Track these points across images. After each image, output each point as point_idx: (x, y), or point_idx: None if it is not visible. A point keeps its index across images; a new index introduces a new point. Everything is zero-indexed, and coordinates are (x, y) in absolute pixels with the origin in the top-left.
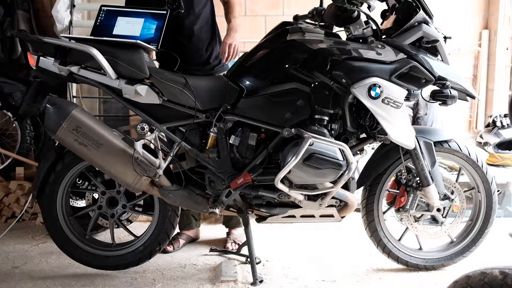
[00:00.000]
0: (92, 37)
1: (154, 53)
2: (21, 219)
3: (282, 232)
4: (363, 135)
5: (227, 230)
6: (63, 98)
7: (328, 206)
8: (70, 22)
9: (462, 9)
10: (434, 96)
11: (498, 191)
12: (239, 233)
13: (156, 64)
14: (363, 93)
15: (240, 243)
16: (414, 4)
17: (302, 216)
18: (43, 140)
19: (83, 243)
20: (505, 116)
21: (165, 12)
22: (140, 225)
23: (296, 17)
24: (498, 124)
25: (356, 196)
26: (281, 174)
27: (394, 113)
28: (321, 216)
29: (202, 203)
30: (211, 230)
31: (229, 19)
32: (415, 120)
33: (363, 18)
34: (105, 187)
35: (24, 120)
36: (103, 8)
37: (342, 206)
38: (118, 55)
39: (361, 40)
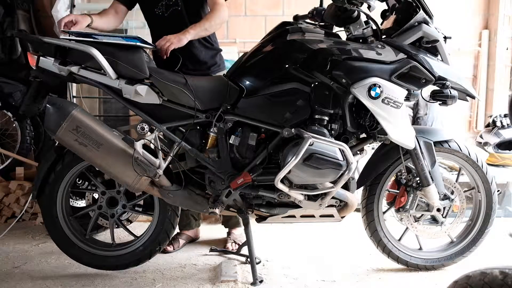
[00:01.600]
0: (92, 39)
1: (151, 52)
2: (21, 219)
3: (282, 232)
4: (363, 135)
5: (227, 230)
6: (63, 98)
7: (328, 206)
8: None
9: (462, 9)
10: (434, 96)
11: (498, 191)
12: (239, 233)
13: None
14: (363, 93)
15: (240, 243)
16: (414, 4)
17: (302, 216)
18: (43, 140)
19: (83, 243)
20: (505, 116)
21: (137, 42)
22: (140, 225)
23: (296, 17)
24: (498, 124)
25: (356, 196)
26: (281, 174)
27: (394, 113)
28: (321, 216)
29: (202, 203)
30: (211, 230)
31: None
32: (415, 120)
33: (363, 18)
34: (105, 187)
35: (24, 120)
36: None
37: (342, 206)
38: (118, 55)
39: (361, 40)
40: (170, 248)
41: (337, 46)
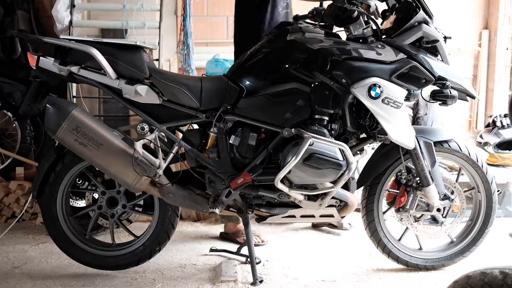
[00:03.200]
0: (91, 39)
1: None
2: (21, 219)
3: (282, 232)
4: (363, 135)
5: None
6: (63, 98)
7: (328, 206)
8: (70, 22)
9: (462, 9)
10: (434, 96)
11: (498, 191)
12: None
13: (156, 64)
14: (363, 93)
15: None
16: (414, 4)
17: (302, 216)
18: (43, 140)
19: (83, 243)
20: (505, 116)
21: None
22: (140, 225)
23: (296, 17)
24: (498, 124)
25: (356, 196)
26: (281, 174)
27: (394, 113)
28: (321, 216)
29: (202, 203)
30: (211, 230)
31: None
32: (415, 120)
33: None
34: (105, 187)
35: (24, 120)
36: None
37: (342, 206)
38: (118, 55)
39: (361, 40)
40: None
41: (337, 46)
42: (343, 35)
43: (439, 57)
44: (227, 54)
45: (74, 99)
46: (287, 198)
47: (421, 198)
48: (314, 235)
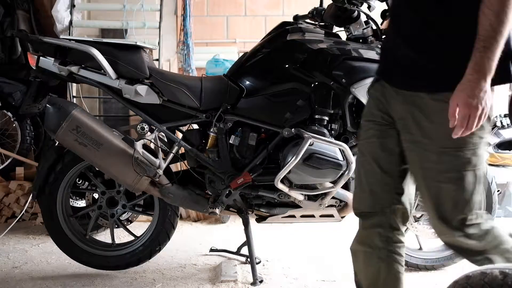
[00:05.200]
0: (91, 39)
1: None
2: (21, 219)
3: (282, 232)
4: None
5: None
6: (63, 98)
7: (328, 206)
8: (70, 22)
9: None
10: None
11: (498, 191)
12: None
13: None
14: (363, 93)
15: None
16: None
17: (302, 216)
18: (43, 140)
19: (83, 243)
20: (505, 116)
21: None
22: (140, 225)
23: (296, 17)
24: (498, 124)
25: None
26: (281, 174)
27: None
28: (321, 216)
29: (202, 203)
30: (211, 230)
31: None
32: None
33: (363, 18)
34: (105, 187)
35: (24, 120)
36: None
37: (342, 206)
38: (118, 55)
39: (361, 40)
40: None
41: (337, 46)
42: (343, 35)
43: None
44: (227, 54)
45: (74, 99)
46: (287, 198)
47: (421, 198)
48: (314, 235)
